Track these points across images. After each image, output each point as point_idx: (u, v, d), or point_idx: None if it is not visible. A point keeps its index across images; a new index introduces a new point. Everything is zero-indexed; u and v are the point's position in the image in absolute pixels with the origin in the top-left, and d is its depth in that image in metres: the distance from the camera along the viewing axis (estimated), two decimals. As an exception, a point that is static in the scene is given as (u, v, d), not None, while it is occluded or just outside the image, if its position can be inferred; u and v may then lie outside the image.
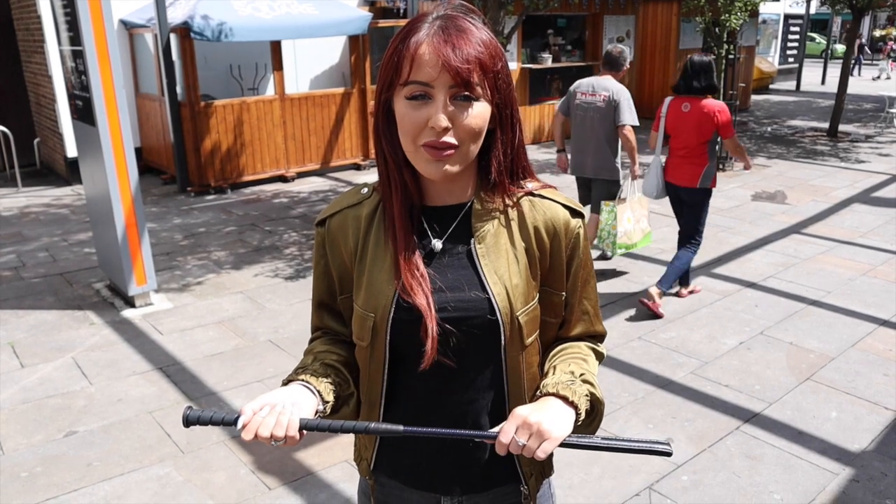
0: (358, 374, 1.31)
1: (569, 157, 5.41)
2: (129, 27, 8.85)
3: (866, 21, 33.00)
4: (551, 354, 1.29)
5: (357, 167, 9.54)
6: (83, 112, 4.75)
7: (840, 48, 28.00)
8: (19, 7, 9.05)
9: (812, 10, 20.18)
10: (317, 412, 1.16)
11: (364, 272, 1.24)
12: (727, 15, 8.78)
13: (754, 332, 4.47)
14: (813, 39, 28.05)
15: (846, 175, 9.04)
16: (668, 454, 1.08)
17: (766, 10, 16.73)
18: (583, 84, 5.14)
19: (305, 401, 1.15)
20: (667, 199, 5.01)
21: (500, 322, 1.19)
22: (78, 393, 3.80)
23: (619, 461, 3.17)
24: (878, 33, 35.32)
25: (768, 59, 19.10)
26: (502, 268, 1.20)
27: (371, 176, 8.98)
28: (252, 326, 4.60)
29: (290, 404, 1.11)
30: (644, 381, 3.88)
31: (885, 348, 4.24)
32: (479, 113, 1.12)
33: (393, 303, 1.19)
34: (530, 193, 1.25)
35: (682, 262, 4.82)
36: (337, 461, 3.18)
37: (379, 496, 1.38)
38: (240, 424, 1.09)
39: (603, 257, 5.72)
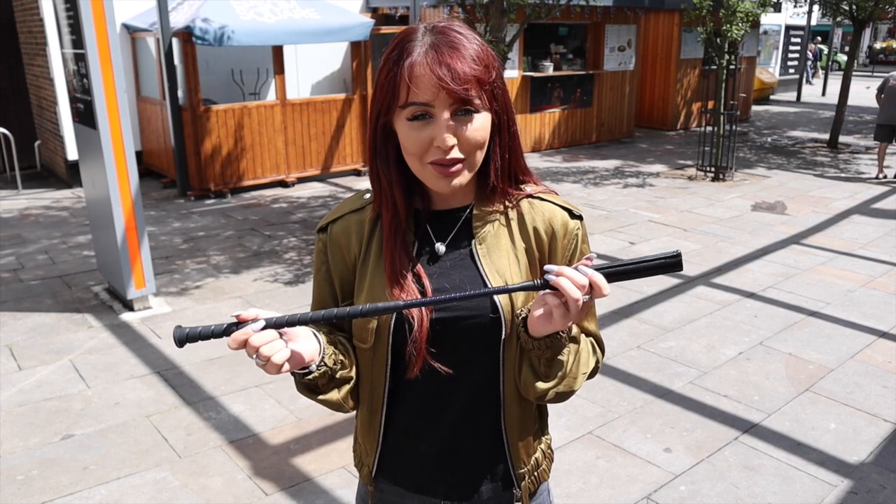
0: (356, 366, 1.30)
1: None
2: (131, 31, 8.87)
3: (867, 33, 33.10)
4: None
5: (357, 173, 9.55)
6: (84, 115, 4.75)
7: (842, 58, 28.05)
8: (22, 9, 9.06)
9: (813, 22, 20.24)
10: (313, 363, 1.13)
11: (367, 275, 1.24)
12: (728, 25, 8.81)
13: (753, 343, 4.47)
14: (820, 51, 28.01)
15: (846, 186, 9.05)
16: (677, 262, 1.06)
17: (767, 20, 16.78)
18: (894, 75, 9.25)
19: (306, 341, 1.11)
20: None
21: (503, 319, 1.20)
22: (75, 396, 3.79)
23: (618, 470, 3.16)
24: (878, 45, 35.42)
25: (769, 70, 19.15)
26: (503, 267, 1.22)
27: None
28: (250, 331, 4.58)
29: (287, 340, 1.08)
30: (642, 391, 3.88)
31: (884, 360, 4.24)
32: (482, 124, 1.14)
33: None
34: (529, 196, 1.27)
35: None
36: (334, 467, 3.17)
37: (378, 502, 1.38)
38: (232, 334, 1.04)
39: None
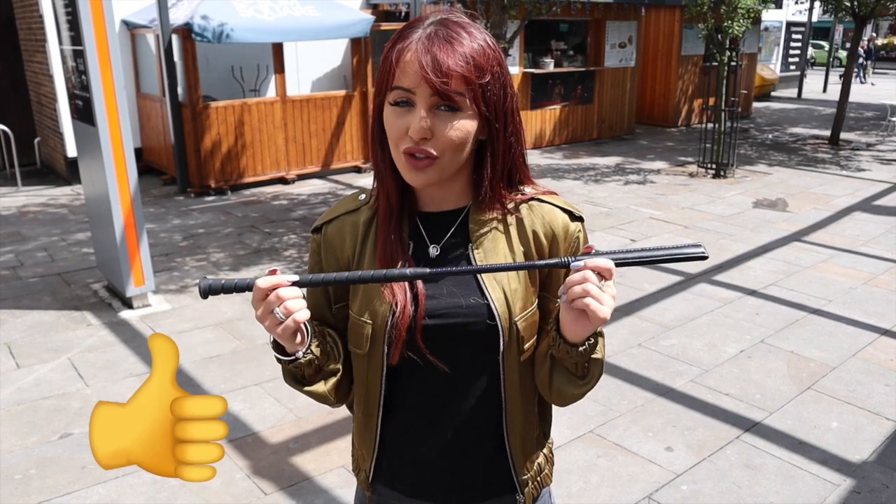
0: (344, 360, 1.28)
1: None
2: (130, 28, 8.84)
3: (868, 29, 33.02)
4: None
5: (357, 170, 9.52)
6: (83, 112, 4.73)
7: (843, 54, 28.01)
8: (21, 6, 9.04)
9: (814, 18, 20.19)
10: (300, 350, 1.15)
11: None
12: (729, 22, 8.77)
13: (755, 341, 4.45)
14: (822, 47, 27.94)
15: (847, 183, 9.03)
16: (704, 258, 1.07)
17: (768, 17, 16.74)
18: None
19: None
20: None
21: (500, 327, 1.17)
22: (74, 394, 3.77)
23: (619, 469, 3.15)
24: (879, 42, 35.36)
25: (770, 67, 19.11)
26: (501, 273, 1.19)
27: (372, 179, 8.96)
28: (250, 329, 4.57)
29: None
30: (644, 389, 3.86)
31: (886, 358, 4.22)
32: (462, 125, 1.10)
33: (391, 309, 1.18)
34: (529, 199, 1.24)
35: None
36: (334, 466, 3.15)
37: (376, 507, 1.36)
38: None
39: None
